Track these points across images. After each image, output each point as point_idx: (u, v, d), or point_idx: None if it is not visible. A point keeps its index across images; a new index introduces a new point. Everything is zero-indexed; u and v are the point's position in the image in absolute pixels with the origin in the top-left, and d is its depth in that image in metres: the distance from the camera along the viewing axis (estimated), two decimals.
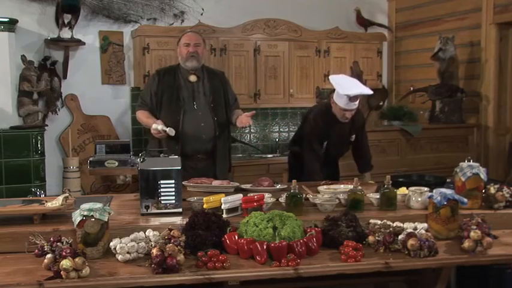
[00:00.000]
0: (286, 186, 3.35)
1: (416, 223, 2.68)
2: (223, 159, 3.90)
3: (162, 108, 3.80)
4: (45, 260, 2.25)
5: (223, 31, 5.67)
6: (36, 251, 2.38)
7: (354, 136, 4.02)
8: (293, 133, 6.36)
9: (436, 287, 2.69)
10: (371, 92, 3.87)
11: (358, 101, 3.75)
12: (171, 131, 3.57)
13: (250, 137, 6.22)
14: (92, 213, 2.37)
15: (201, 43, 3.86)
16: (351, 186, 3.03)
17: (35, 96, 5.03)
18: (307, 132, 3.96)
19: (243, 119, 3.71)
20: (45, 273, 2.21)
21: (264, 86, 5.84)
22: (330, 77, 3.96)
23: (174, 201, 2.79)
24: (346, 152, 4.16)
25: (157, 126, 3.58)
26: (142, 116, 3.84)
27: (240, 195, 2.80)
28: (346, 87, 3.71)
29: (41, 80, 5.06)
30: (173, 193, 2.78)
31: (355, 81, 3.91)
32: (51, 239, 2.37)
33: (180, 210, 2.80)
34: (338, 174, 4.14)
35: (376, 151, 5.40)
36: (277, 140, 6.31)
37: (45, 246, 2.34)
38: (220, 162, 3.86)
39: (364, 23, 6.37)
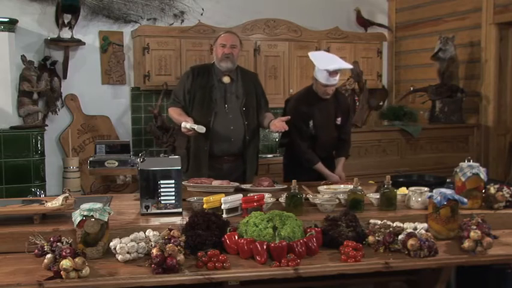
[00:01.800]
0: (286, 186, 3.35)
1: (416, 223, 2.68)
2: (252, 162, 3.89)
3: (194, 108, 3.77)
4: (45, 260, 2.25)
5: (223, 31, 5.66)
6: (36, 251, 2.38)
7: (339, 119, 4.00)
8: None
9: (436, 287, 2.69)
10: (350, 66, 3.96)
11: (338, 76, 3.78)
12: (200, 129, 3.53)
13: None
14: (92, 213, 2.37)
15: (238, 45, 3.83)
16: (351, 186, 3.03)
17: (35, 96, 5.03)
18: (291, 114, 3.92)
19: (277, 124, 3.67)
20: (45, 273, 2.21)
21: (264, 86, 5.82)
22: (309, 54, 3.98)
23: (174, 201, 2.79)
24: (335, 146, 4.10)
25: (185, 124, 3.55)
26: (174, 113, 3.80)
27: (240, 195, 2.80)
28: (326, 63, 3.74)
29: (41, 80, 5.06)
30: (173, 193, 2.78)
31: (334, 57, 3.93)
32: (51, 239, 2.37)
33: (180, 210, 2.80)
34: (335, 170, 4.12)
35: (376, 151, 5.40)
36: (277, 140, 6.31)
37: (45, 246, 2.34)
38: (249, 164, 3.86)
39: (364, 23, 6.37)
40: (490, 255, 2.49)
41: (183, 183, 3.01)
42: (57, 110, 5.31)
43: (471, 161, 2.94)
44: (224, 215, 2.68)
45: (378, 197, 2.94)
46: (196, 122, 3.61)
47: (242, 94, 3.81)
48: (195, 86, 3.78)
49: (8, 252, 2.46)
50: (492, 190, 2.93)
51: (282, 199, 2.95)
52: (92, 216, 2.37)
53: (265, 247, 2.36)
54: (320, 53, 4.00)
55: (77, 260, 2.17)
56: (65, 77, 5.36)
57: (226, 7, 5.88)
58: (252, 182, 3.64)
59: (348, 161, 4.22)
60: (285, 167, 4.20)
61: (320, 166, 3.87)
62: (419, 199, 2.91)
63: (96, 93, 5.53)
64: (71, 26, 5.22)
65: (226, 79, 3.80)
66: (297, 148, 3.93)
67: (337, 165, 4.01)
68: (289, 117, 3.73)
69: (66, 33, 5.25)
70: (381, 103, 6.22)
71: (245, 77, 3.90)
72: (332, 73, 3.71)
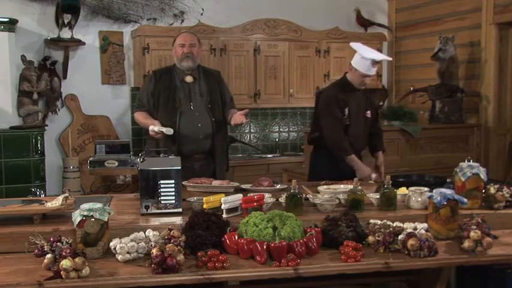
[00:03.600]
0: (286, 186, 3.35)
1: (416, 223, 2.68)
2: (221, 158, 3.92)
3: (159, 109, 3.83)
4: (45, 260, 2.24)
5: (223, 31, 5.67)
6: (36, 251, 2.38)
7: (369, 112, 4.04)
8: (293, 133, 6.39)
9: (436, 287, 2.69)
10: (390, 59, 4.08)
11: (376, 68, 3.90)
12: (168, 131, 3.61)
13: (250, 137, 6.23)
14: (92, 213, 2.37)
15: (196, 43, 3.87)
16: (351, 186, 3.03)
17: (35, 96, 5.04)
18: (326, 101, 3.94)
19: (236, 118, 3.73)
20: (45, 273, 2.21)
21: (264, 86, 5.84)
22: (351, 44, 4.02)
23: (174, 201, 2.79)
24: (366, 143, 4.12)
25: (153, 127, 3.62)
26: (140, 116, 3.87)
27: (240, 195, 2.80)
28: (371, 53, 3.86)
29: (41, 80, 5.06)
30: (173, 193, 2.78)
31: (371, 49, 4.04)
32: (51, 239, 2.37)
33: (180, 210, 2.80)
34: None
35: None
36: (277, 140, 6.31)
37: (45, 246, 2.34)
38: (218, 161, 3.89)
39: (364, 23, 6.37)
40: (490, 255, 2.48)
41: (183, 183, 3.01)
42: (57, 110, 5.32)
43: (471, 161, 2.94)
44: (224, 215, 2.68)
45: (378, 197, 2.94)
46: (162, 124, 3.67)
47: (206, 92, 3.85)
48: (158, 88, 3.82)
49: (8, 252, 2.46)
50: (492, 190, 2.93)
51: (282, 199, 2.95)
52: (92, 216, 2.37)
53: (265, 247, 2.36)
54: (360, 44, 4.04)
55: (77, 260, 2.17)
56: (65, 77, 5.36)
57: (226, 7, 5.89)
58: (222, 179, 3.64)
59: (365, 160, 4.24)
60: (311, 166, 4.19)
61: (354, 157, 3.87)
62: (419, 199, 2.90)
63: (96, 93, 5.53)
64: (71, 26, 5.22)
65: (188, 78, 3.84)
66: (331, 137, 3.90)
67: (378, 158, 4.07)
68: (247, 110, 3.78)
69: (66, 33, 5.25)
70: (381, 103, 6.23)
71: (207, 76, 3.93)
72: (374, 63, 3.81)
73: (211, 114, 3.83)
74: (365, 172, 3.83)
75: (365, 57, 3.80)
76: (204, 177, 3.43)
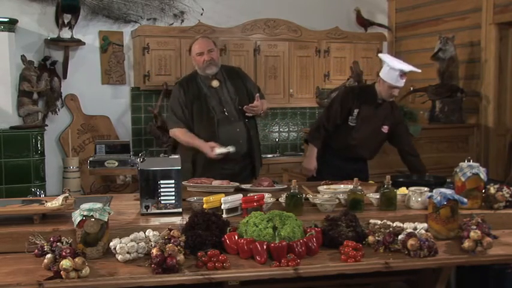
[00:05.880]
0: (286, 186, 3.35)
1: (416, 223, 2.68)
2: (258, 156, 3.95)
3: (195, 121, 3.75)
4: (45, 260, 2.25)
5: (223, 31, 5.67)
6: (36, 251, 2.38)
7: (386, 127, 3.98)
8: (293, 133, 6.39)
9: (436, 287, 2.69)
10: (419, 71, 3.94)
11: (405, 79, 3.81)
12: (231, 148, 3.57)
13: None
14: (92, 213, 2.37)
15: (214, 47, 3.79)
16: (351, 186, 3.03)
17: (35, 96, 5.04)
18: (338, 94, 4.04)
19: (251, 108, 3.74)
20: (45, 273, 2.21)
21: (264, 86, 5.82)
22: (379, 55, 4.04)
23: (174, 201, 2.79)
24: (374, 153, 4.13)
25: (217, 150, 3.53)
26: (183, 136, 3.74)
27: (240, 195, 2.80)
28: (399, 64, 3.81)
29: (41, 80, 5.06)
30: (173, 193, 2.78)
31: (400, 60, 3.98)
32: (51, 239, 2.37)
33: (180, 210, 2.80)
34: (367, 173, 4.08)
35: None
36: (277, 140, 6.31)
37: (45, 246, 2.34)
38: (257, 159, 3.91)
39: (364, 23, 6.37)
40: (490, 255, 2.49)
41: (183, 183, 3.01)
42: (57, 110, 5.32)
43: (471, 161, 2.94)
44: (224, 215, 2.68)
45: (378, 197, 2.94)
46: (201, 136, 3.65)
47: (234, 93, 3.81)
48: (189, 98, 3.75)
49: (8, 252, 2.46)
50: (492, 190, 2.93)
51: (282, 199, 2.95)
52: (92, 216, 2.37)
53: (265, 247, 2.36)
54: (387, 55, 4.05)
55: (77, 260, 2.17)
56: (65, 77, 5.36)
57: (226, 7, 5.89)
58: (258, 175, 3.75)
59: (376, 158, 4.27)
60: (319, 163, 4.20)
61: (313, 148, 3.94)
62: (419, 199, 2.90)
63: (96, 93, 5.53)
64: (71, 26, 5.22)
65: (215, 83, 3.79)
66: (316, 121, 3.99)
67: None
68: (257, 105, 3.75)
69: (66, 33, 5.25)
70: None
71: (231, 75, 3.88)
72: (402, 75, 3.75)
73: (243, 116, 3.79)
74: (309, 165, 3.90)
75: (394, 68, 3.74)
76: (204, 178, 3.44)
